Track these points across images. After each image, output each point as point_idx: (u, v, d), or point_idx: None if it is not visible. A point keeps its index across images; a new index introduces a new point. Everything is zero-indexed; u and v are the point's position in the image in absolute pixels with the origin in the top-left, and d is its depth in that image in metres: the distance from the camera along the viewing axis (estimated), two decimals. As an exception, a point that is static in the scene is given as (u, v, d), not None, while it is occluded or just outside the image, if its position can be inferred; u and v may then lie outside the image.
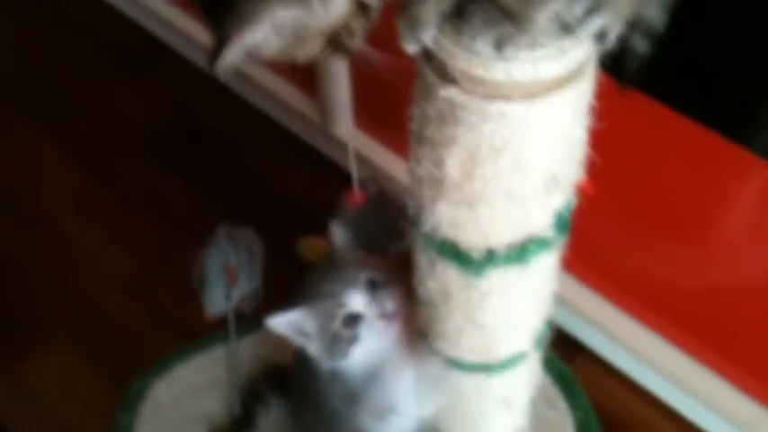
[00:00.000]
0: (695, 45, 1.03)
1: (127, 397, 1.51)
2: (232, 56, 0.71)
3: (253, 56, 0.72)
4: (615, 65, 0.83)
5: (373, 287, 1.11)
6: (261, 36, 0.71)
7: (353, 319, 1.10)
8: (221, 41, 0.70)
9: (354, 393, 1.16)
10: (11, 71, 2.13)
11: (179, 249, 1.33)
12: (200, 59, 2.04)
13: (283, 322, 1.12)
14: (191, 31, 2.00)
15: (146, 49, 2.13)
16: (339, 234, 1.19)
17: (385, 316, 1.10)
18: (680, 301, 1.39)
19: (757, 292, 1.27)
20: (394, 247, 1.20)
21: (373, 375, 1.14)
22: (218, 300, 1.32)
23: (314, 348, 1.14)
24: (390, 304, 1.10)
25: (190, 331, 1.54)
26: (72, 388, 1.56)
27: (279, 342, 1.15)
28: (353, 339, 1.10)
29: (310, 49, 0.75)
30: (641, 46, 0.83)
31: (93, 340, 1.61)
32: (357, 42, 0.77)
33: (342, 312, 1.10)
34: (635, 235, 1.37)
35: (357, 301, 1.10)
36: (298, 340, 1.14)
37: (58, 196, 1.85)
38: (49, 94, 2.08)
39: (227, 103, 1.98)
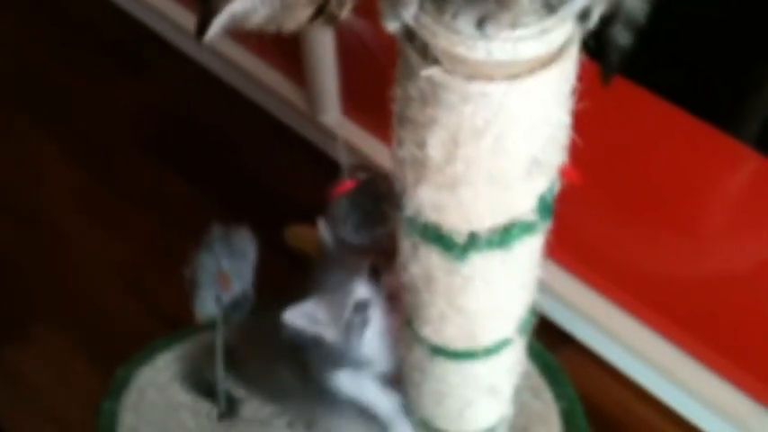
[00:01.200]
0: (682, 32, 1.02)
1: (110, 385, 1.50)
2: (220, 25, 0.68)
3: (240, 25, 0.70)
4: (597, 56, 0.81)
5: (376, 273, 1.15)
6: (249, 4, 0.68)
7: (362, 306, 1.15)
8: (209, 11, 0.67)
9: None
10: (11, 71, 2.11)
11: (179, 247, 1.32)
12: (195, 54, 2.03)
13: (298, 315, 1.16)
14: (189, 27, 1.98)
15: (144, 47, 2.11)
16: (328, 237, 1.21)
17: (390, 298, 1.15)
18: (667, 291, 1.38)
19: (745, 282, 1.26)
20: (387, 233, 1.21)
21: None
22: (209, 304, 1.30)
23: (330, 336, 1.18)
24: (394, 288, 1.14)
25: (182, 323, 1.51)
26: (71, 387, 1.54)
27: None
28: (365, 324, 1.15)
29: (298, 18, 0.73)
30: (623, 37, 0.81)
31: (93, 339, 1.60)
32: (346, 11, 0.74)
33: (350, 301, 1.14)
34: (623, 224, 1.36)
35: (363, 288, 1.14)
36: (314, 330, 1.18)
37: (57, 195, 1.84)
38: (48, 93, 2.06)
39: (221, 97, 1.97)
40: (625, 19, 0.80)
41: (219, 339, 1.35)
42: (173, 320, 1.57)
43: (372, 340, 1.19)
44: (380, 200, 1.23)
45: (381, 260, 1.16)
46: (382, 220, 1.22)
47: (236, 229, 1.32)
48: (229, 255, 1.30)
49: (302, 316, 1.17)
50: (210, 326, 1.34)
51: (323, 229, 1.21)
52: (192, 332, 1.51)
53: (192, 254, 1.31)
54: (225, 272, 1.29)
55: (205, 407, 1.47)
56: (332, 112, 1.74)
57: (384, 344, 1.21)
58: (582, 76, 0.81)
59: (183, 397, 1.49)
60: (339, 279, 1.16)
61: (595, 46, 0.79)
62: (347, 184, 1.27)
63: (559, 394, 1.44)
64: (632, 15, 0.80)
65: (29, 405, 1.52)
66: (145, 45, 2.12)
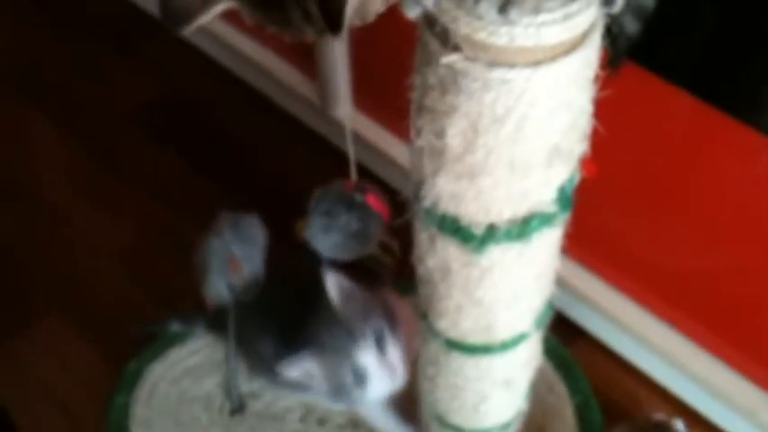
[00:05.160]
0: (702, 22, 1.00)
1: (123, 378, 1.49)
2: (348, 16, 0.65)
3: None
4: (606, 43, 0.79)
5: (380, 340, 1.14)
6: None
7: (361, 374, 1.14)
8: (335, 12, 0.64)
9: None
10: (3, 50, 2.09)
11: (177, 228, 1.32)
12: (204, 46, 2.01)
13: (293, 369, 1.16)
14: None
15: (141, 26, 2.09)
16: (335, 286, 1.17)
17: (391, 368, 1.14)
18: (681, 283, 1.36)
19: (761, 275, 1.24)
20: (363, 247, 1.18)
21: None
22: (220, 290, 1.29)
23: (323, 389, 1.19)
24: (396, 356, 1.14)
25: (187, 310, 1.51)
26: (76, 375, 1.53)
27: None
28: (361, 391, 1.15)
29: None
30: (632, 25, 0.80)
31: (97, 327, 1.58)
32: None
33: (349, 368, 1.13)
34: (636, 216, 1.34)
35: (366, 357, 1.13)
36: (303, 380, 1.18)
37: (58, 182, 1.83)
38: (48, 80, 2.04)
39: (232, 90, 1.96)
40: (635, 7, 0.79)
41: (231, 326, 1.33)
42: (170, 299, 1.57)
43: (367, 401, 1.19)
44: (340, 217, 1.19)
45: (386, 326, 1.14)
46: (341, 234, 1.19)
47: (246, 216, 1.30)
48: (239, 240, 1.28)
49: (298, 369, 1.16)
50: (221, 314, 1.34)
51: (330, 280, 1.17)
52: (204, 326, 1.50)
53: (200, 240, 1.29)
54: (235, 257, 1.27)
55: (217, 401, 1.46)
56: (344, 106, 1.72)
57: (380, 398, 1.21)
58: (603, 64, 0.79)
59: (196, 391, 1.48)
60: (341, 339, 1.14)
61: (605, 33, 0.77)
62: (348, 184, 1.24)
63: (574, 389, 1.43)
64: (642, 3, 0.79)
65: (34, 393, 1.51)
66: (140, 22, 2.09)
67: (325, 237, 1.16)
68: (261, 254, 1.29)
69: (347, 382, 1.14)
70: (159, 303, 1.59)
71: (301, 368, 1.16)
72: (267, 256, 1.30)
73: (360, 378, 1.14)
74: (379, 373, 1.14)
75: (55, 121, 1.93)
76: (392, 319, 1.16)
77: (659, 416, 1.33)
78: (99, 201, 1.79)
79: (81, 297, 1.64)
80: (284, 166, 1.80)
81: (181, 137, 1.89)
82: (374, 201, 1.17)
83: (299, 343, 1.19)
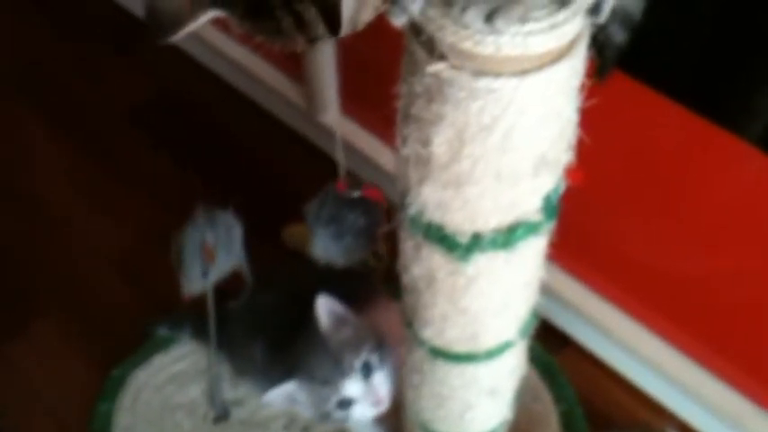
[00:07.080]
0: (688, 29, 0.99)
1: (106, 385, 1.48)
2: (348, 20, 0.64)
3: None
4: (593, 53, 0.78)
5: (368, 371, 1.13)
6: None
7: (347, 403, 1.14)
8: (334, 12, 0.63)
9: None
10: (3, 50, 2.08)
11: (176, 229, 1.32)
12: (195, 52, 2.01)
13: (278, 396, 1.15)
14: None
15: (140, 27, 2.07)
16: (325, 312, 1.16)
17: (377, 398, 1.14)
18: (667, 291, 1.35)
19: (747, 284, 1.23)
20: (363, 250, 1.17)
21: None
22: (196, 278, 1.28)
23: (307, 414, 1.18)
24: (383, 386, 1.14)
25: (184, 312, 1.50)
26: (68, 382, 1.52)
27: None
28: (345, 420, 1.15)
29: (376, 6, 0.69)
30: (619, 35, 0.79)
31: (92, 334, 1.57)
32: None
33: (337, 398, 1.13)
34: (622, 225, 1.34)
35: (352, 387, 1.13)
36: (287, 405, 1.18)
37: (53, 175, 1.82)
38: (43, 74, 2.03)
39: (221, 94, 1.95)
40: (621, 17, 0.78)
41: (211, 316, 1.32)
42: (177, 309, 1.53)
43: (354, 424, 1.20)
44: (347, 218, 1.18)
45: (375, 355, 1.14)
46: (343, 234, 1.18)
47: (221, 209, 1.30)
48: (214, 229, 1.28)
49: (282, 397, 1.15)
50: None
51: (321, 307, 1.15)
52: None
53: (177, 233, 1.30)
54: (209, 245, 1.27)
55: (201, 408, 1.45)
56: (331, 111, 1.71)
57: (368, 421, 1.21)
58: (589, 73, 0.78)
59: (180, 398, 1.47)
60: (328, 369, 1.13)
61: (591, 43, 0.76)
62: (340, 185, 1.22)
63: (559, 397, 1.42)
64: (628, 13, 0.78)
65: (32, 395, 1.50)
66: (133, 24, 2.08)
67: (338, 243, 1.15)
68: (239, 246, 1.29)
69: (331, 410, 1.14)
70: (158, 304, 1.58)
71: (285, 395, 1.16)
72: (248, 251, 1.29)
73: (344, 406, 1.14)
74: (365, 402, 1.14)
75: (55, 121, 1.93)
76: (382, 347, 1.15)
77: (656, 425, 1.33)
78: (98, 201, 1.78)
79: (80, 297, 1.63)
80: (272, 170, 1.80)
81: (179, 138, 1.89)
82: (372, 192, 1.17)
83: (286, 367, 1.18)
